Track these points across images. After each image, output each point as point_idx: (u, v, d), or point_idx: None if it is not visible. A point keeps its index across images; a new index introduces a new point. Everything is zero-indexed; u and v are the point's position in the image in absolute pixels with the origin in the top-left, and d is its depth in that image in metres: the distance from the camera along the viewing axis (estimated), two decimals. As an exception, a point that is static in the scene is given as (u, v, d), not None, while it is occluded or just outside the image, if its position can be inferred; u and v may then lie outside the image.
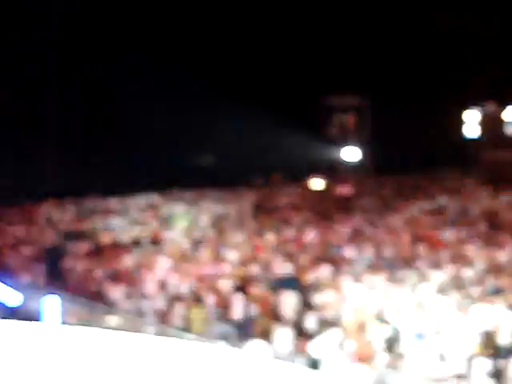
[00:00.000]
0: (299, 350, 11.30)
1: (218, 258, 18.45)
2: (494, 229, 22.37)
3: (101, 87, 31.70)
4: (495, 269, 15.83)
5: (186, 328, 13.18)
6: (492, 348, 10.76)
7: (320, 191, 34.64)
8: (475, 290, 13.83)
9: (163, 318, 13.43)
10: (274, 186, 35.16)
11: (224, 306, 13.92)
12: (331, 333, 11.01)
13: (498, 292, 13.55)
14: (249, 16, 36.85)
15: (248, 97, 35.49)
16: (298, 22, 38.35)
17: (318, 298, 14.01)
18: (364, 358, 10.71)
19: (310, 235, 21.96)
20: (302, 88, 40.29)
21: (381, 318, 12.37)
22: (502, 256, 17.49)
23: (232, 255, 18.67)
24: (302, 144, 37.25)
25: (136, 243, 20.44)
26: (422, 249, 19.00)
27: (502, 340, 11.46)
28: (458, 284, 14.38)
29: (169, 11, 33.92)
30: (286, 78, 40.13)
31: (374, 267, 16.65)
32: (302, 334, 11.82)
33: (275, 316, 12.77)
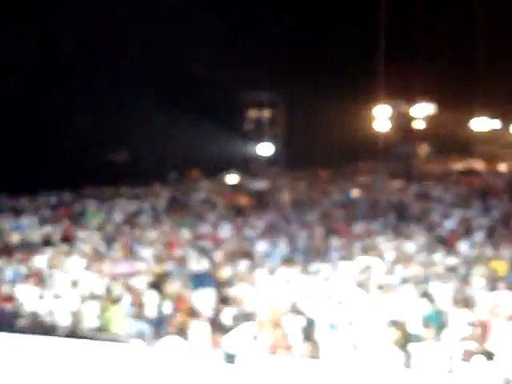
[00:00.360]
0: (216, 345, 11.30)
1: (132, 256, 18.21)
2: (402, 220, 23.14)
3: (10, 86, 30.59)
4: (404, 259, 16.35)
5: (101, 327, 12.93)
6: (403, 337, 11.09)
7: (235, 186, 34.78)
8: (386, 280, 14.24)
9: (77, 318, 13.10)
10: (190, 181, 35.05)
11: (139, 303, 13.74)
12: (247, 327, 11.06)
13: (407, 282, 14.01)
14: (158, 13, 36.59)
15: (164, 93, 35.15)
16: (213, 17, 38.26)
17: (233, 293, 14.05)
18: (280, 349, 10.82)
19: (226, 230, 22.02)
20: (217, 84, 40.22)
21: (296, 310, 12.53)
22: (410, 247, 18.12)
23: (146, 252, 18.47)
24: (218, 139, 37.33)
25: (46, 242, 19.88)
26: (334, 241, 19.40)
27: (412, 329, 11.88)
28: (369, 275, 14.75)
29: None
30: (202, 75, 39.98)
31: (288, 260, 16.83)
32: (219, 329, 11.82)
33: (191, 312, 12.70)
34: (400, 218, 23.83)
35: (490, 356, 9.90)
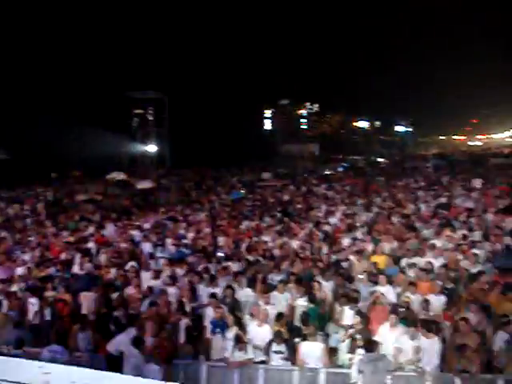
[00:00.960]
0: (100, 350, 10.97)
1: (11, 261, 17.38)
2: (288, 217, 23.51)
3: None
4: (290, 255, 16.57)
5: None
6: (287, 331, 11.23)
7: (121, 186, 34.09)
8: (272, 277, 14.36)
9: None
10: (74, 182, 34.02)
11: (19, 309, 13.14)
12: (131, 330, 10.81)
13: (291, 278, 14.18)
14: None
15: (47, 91, 34.04)
16: (99, 20, 37.65)
17: (120, 295, 13.71)
18: (167, 351, 10.67)
19: (111, 232, 21.51)
20: (102, 83, 39.42)
21: (183, 310, 12.41)
22: (295, 243, 18.42)
23: (27, 256, 17.71)
24: (103, 139, 36.40)
25: None
26: (222, 239, 19.39)
27: (294, 323, 12.07)
28: (256, 272, 14.84)
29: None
30: (86, 73, 39.06)
31: (175, 260, 16.63)
32: (104, 333, 11.48)
33: (75, 317, 12.25)
34: (286, 215, 24.20)
35: (373, 346, 10.19)
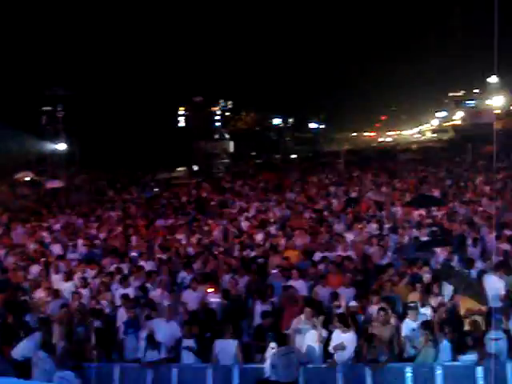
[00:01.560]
0: (5, 355, 10.60)
1: None
2: (202, 215, 23.52)
3: None
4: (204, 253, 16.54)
5: None
6: (198, 328, 11.18)
7: (30, 186, 33.05)
8: (184, 276, 14.33)
9: None
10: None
11: None
12: (35, 335, 10.54)
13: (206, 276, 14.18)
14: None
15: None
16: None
17: (28, 298, 13.33)
18: (78, 355, 10.47)
19: (19, 233, 20.85)
20: (9, 78, 38.16)
21: (95, 312, 12.17)
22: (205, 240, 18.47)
23: None
24: (10, 137, 35.17)
25: None
26: (134, 239, 19.14)
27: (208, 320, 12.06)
28: (169, 269, 14.77)
29: None
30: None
31: (86, 261, 16.28)
32: (9, 339, 11.10)
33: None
34: (200, 213, 24.17)
35: (285, 340, 10.32)
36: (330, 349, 10.30)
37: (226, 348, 10.50)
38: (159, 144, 50.82)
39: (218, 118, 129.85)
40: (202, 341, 10.81)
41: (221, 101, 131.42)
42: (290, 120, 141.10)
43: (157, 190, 31.89)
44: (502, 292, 11.90)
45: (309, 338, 10.53)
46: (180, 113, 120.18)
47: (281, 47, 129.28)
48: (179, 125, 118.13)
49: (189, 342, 10.66)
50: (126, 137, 48.17)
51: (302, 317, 10.89)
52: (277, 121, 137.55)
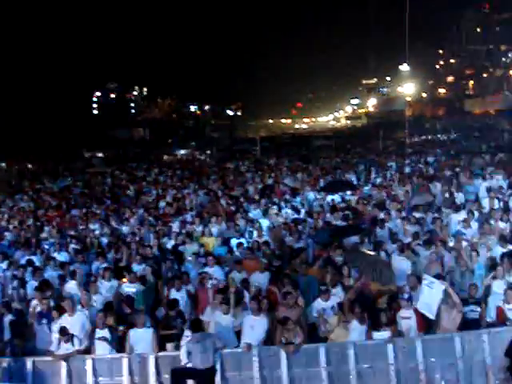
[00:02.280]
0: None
1: None
2: (117, 203, 23.23)
3: None
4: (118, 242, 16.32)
5: None
6: (114, 318, 11.05)
7: None
8: (98, 265, 14.12)
9: None
10: None
11: None
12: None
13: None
14: None
15: None
16: None
17: None
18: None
19: None
20: None
21: (7, 305, 11.85)
22: (125, 229, 18.23)
23: None
24: None
25: None
26: (47, 229, 18.68)
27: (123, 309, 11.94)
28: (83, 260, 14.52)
29: None
30: None
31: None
32: None
33: None
34: (116, 202, 23.82)
35: (199, 326, 10.35)
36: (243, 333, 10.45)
37: (141, 337, 10.43)
38: (73, 132, 49.57)
39: (132, 104, 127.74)
40: (118, 331, 10.71)
41: (135, 87, 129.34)
42: (207, 107, 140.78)
43: (69, 179, 31.15)
44: (409, 272, 12.35)
45: (223, 324, 10.63)
46: (94, 99, 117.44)
47: (196, 34, 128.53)
48: (93, 112, 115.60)
49: (103, 333, 10.52)
50: (38, 125, 46.70)
51: (216, 303, 10.98)
52: (193, 108, 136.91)
